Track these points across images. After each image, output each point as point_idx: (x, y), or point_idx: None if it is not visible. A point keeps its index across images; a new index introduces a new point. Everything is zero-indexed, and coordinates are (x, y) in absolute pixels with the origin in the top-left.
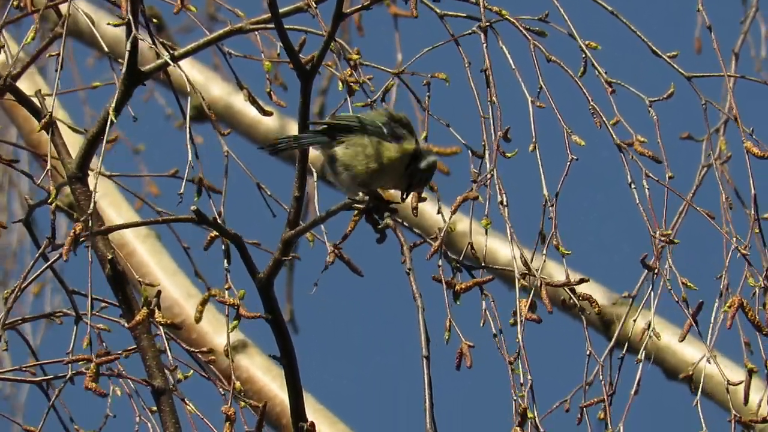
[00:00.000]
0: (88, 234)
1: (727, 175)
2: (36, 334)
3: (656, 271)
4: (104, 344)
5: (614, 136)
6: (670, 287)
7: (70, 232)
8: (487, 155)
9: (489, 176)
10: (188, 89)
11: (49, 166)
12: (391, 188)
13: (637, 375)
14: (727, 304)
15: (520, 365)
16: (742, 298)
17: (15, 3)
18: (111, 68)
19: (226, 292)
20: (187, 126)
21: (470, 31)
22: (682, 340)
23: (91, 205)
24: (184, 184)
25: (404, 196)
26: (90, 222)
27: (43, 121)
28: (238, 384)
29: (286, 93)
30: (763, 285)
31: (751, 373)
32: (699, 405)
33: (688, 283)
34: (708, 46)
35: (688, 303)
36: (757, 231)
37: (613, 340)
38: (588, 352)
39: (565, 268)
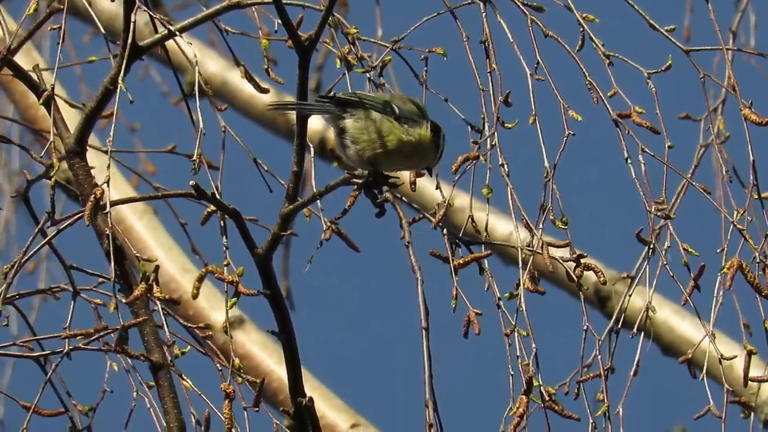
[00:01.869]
0: (96, 208)
1: (725, 155)
2: (30, 310)
3: (652, 245)
4: (101, 319)
5: (611, 111)
6: (666, 262)
7: (90, 197)
8: (486, 127)
9: (489, 146)
10: (186, 64)
11: (52, 140)
12: (399, 170)
13: (636, 354)
14: (727, 266)
15: (515, 337)
16: (741, 260)
17: None
18: (107, 46)
19: (225, 268)
20: (196, 94)
21: (469, 1)
22: (684, 304)
23: (107, 174)
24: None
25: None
26: (105, 189)
27: (45, 94)
28: (237, 361)
29: (282, 69)
30: (763, 251)
31: (750, 354)
32: (705, 381)
33: (689, 249)
34: (705, 22)
35: (689, 268)
36: (756, 197)
37: (614, 318)
38: (585, 328)
39: (569, 238)
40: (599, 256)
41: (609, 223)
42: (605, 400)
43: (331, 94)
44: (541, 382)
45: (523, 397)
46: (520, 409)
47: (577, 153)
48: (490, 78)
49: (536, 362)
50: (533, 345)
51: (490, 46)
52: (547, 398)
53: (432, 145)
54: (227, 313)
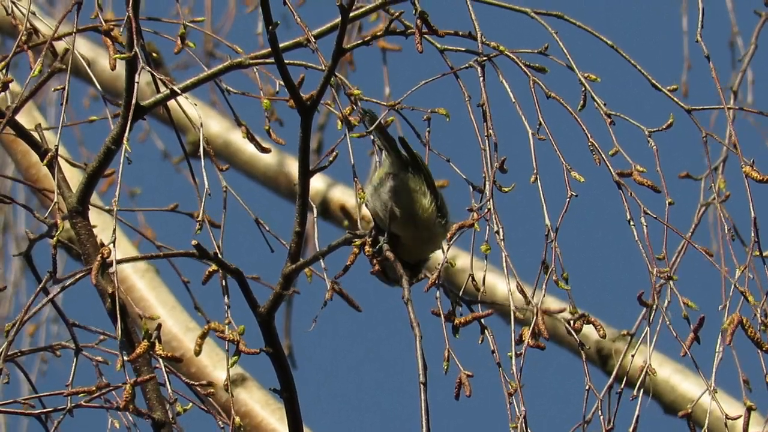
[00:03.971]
0: (105, 262)
1: (726, 214)
2: (31, 368)
3: (654, 307)
4: (103, 376)
5: (613, 173)
6: (668, 321)
7: (97, 257)
8: (487, 188)
9: (487, 210)
10: (187, 124)
11: (56, 199)
12: (398, 247)
13: (635, 411)
14: (727, 321)
15: (518, 396)
16: (741, 315)
17: (22, 38)
18: (106, 107)
19: (226, 327)
20: (201, 152)
21: (467, 65)
22: (684, 355)
23: (112, 233)
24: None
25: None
26: (112, 249)
27: (48, 155)
28: (237, 419)
29: (284, 129)
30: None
31: (750, 410)
32: None
33: (689, 303)
34: (702, 78)
35: (689, 321)
36: (758, 254)
37: (613, 376)
38: (587, 387)
39: (570, 298)
40: (600, 315)
41: (610, 280)
42: None
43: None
44: None
45: None
46: None
47: (580, 212)
48: (487, 141)
49: (525, 424)
50: (522, 408)
51: (488, 110)
52: None
53: (436, 248)
54: (228, 371)
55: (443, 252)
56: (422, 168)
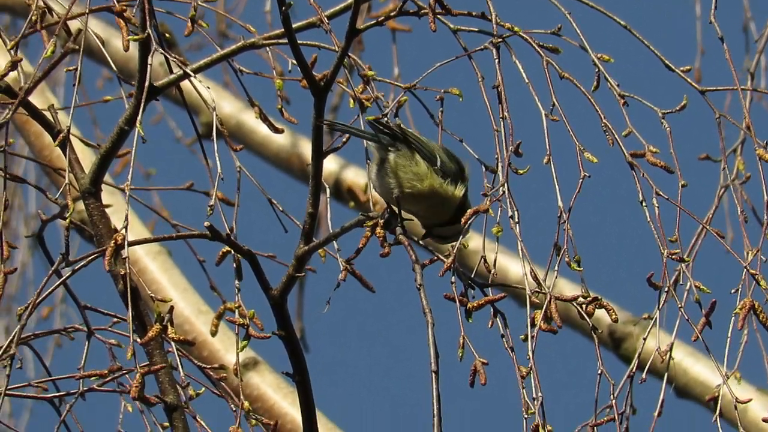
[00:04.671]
0: (117, 248)
1: (745, 196)
2: (44, 351)
3: (666, 289)
4: (116, 359)
5: (626, 154)
6: (680, 305)
7: (110, 242)
8: (500, 170)
9: (501, 192)
10: (201, 105)
11: (67, 180)
12: (418, 218)
13: (650, 395)
14: (739, 306)
15: (531, 381)
16: (753, 300)
17: (34, 18)
18: (120, 86)
19: (236, 310)
20: (214, 133)
21: (482, 47)
22: (695, 340)
23: (125, 216)
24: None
25: (424, 236)
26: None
27: (60, 135)
28: (246, 404)
29: (296, 110)
30: None
31: None
32: (719, 424)
33: (702, 287)
34: (717, 65)
35: (701, 306)
36: None
37: (634, 363)
38: (599, 372)
39: (582, 282)
40: (614, 298)
41: (624, 264)
42: None
43: (384, 121)
44: (550, 427)
45: None
46: None
47: (593, 193)
48: (502, 124)
49: (542, 411)
50: (539, 393)
51: (503, 92)
52: None
53: (457, 207)
54: (237, 355)
55: (461, 233)
56: (407, 138)
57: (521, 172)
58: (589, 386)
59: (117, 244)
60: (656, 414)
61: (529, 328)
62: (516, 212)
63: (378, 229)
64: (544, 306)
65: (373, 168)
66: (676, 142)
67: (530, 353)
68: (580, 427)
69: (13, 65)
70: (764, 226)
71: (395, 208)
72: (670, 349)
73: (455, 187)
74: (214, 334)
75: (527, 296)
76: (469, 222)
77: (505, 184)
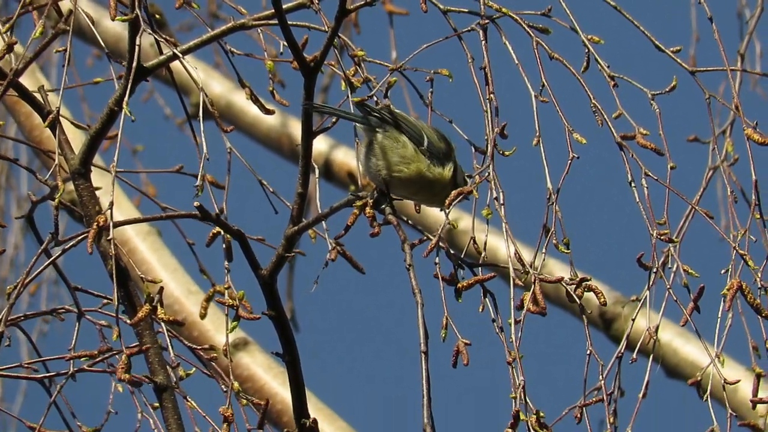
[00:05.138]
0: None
1: (734, 177)
2: (35, 332)
3: (655, 270)
4: (106, 340)
5: (615, 135)
6: (669, 286)
7: (94, 224)
8: (488, 153)
9: (487, 173)
10: (191, 86)
11: (57, 161)
12: (408, 198)
13: (638, 375)
14: (726, 287)
15: (519, 363)
16: (742, 281)
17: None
18: (111, 67)
19: (227, 291)
20: (200, 116)
21: (470, 28)
22: (684, 324)
23: (111, 196)
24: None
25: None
26: (109, 214)
27: (50, 116)
28: (236, 385)
29: (286, 90)
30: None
31: (759, 377)
32: (709, 403)
33: (690, 270)
34: (715, 52)
35: (689, 289)
36: (758, 217)
37: (622, 344)
38: (588, 352)
39: (571, 263)
40: (605, 279)
41: (613, 245)
42: (608, 425)
43: (371, 102)
44: (533, 411)
45: (509, 430)
46: None
47: (582, 174)
48: (488, 105)
49: (524, 393)
50: (521, 377)
51: (489, 73)
52: (544, 425)
53: (448, 188)
54: (227, 336)
55: (445, 215)
56: (395, 119)
57: (507, 153)
58: (579, 365)
59: (100, 225)
60: (641, 395)
61: (512, 312)
62: (501, 193)
63: (367, 209)
64: (532, 288)
65: (362, 150)
66: (666, 124)
67: (513, 338)
68: (568, 410)
69: (9, 48)
70: (752, 207)
71: (384, 189)
72: (656, 331)
73: (443, 168)
74: (203, 317)
75: (511, 278)
76: (453, 204)
77: (491, 166)
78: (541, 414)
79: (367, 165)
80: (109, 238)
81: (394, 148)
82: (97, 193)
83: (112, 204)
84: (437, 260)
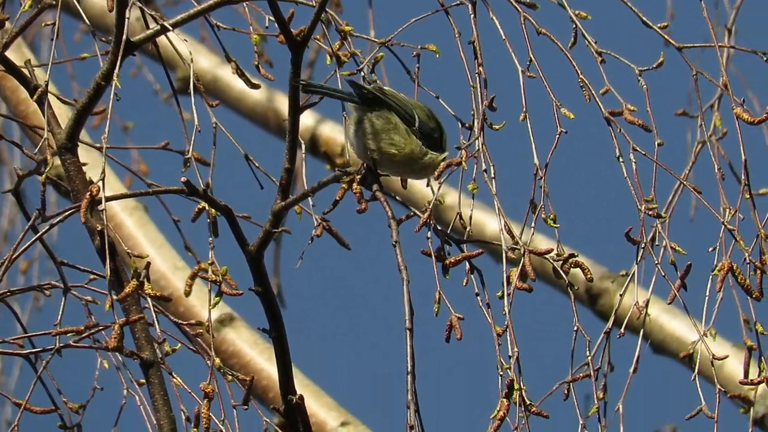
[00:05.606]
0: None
1: (722, 152)
2: (22, 308)
3: (643, 245)
4: (92, 316)
5: (603, 110)
6: (657, 261)
7: (86, 194)
8: (476, 126)
9: (476, 147)
10: (177, 60)
11: (45, 136)
12: (396, 175)
13: (626, 351)
14: (717, 268)
15: (507, 337)
16: (732, 261)
17: None
18: (96, 43)
19: (210, 267)
20: (191, 88)
21: (458, 2)
22: (670, 302)
23: (102, 170)
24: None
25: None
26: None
27: (38, 90)
28: (218, 360)
29: (273, 66)
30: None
31: (750, 350)
32: (697, 380)
33: (677, 248)
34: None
35: (676, 267)
36: (748, 196)
37: (610, 321)
38: (575, 328)
39: (558, 239)
40: (591, 254)
41: (600, 220)
42: (596, 401)
43: (363, 82)
44: (522, 386)
45: (504, 400)
46: (501, 413)
47: (570, 150)
48: (477, 80)
49: (518, 366)
50: (515, 348)
51: (478, 47)
52: (527, 402)
53: (436, 167)
54: (210, 314)
55: (432, 191)
56: (386, 98)
57: (497, 127)
58: (565, 341)
59: (92, 195)
60: (632, 370)
61: (505, 286)
62: (492, 166)
63: (354, 185)
64: (520, 263)
65: (351, 127)
66: (653, 99)
67: (506, 310)
68: (558, 385)
69: (0, 24)
70: (741, 186)
71: (371, 166)
72: (646, 306)
73: (436, 155)
74: (187, 294)
75: (503, 251)
76: (441, 175)
77: (480, 138)
78: (525, 388)
79: (357, 143)
80: (101, 208)
81: (387, 130)
82: (84, 168)
83: (104, 175)
84: (429, 235)
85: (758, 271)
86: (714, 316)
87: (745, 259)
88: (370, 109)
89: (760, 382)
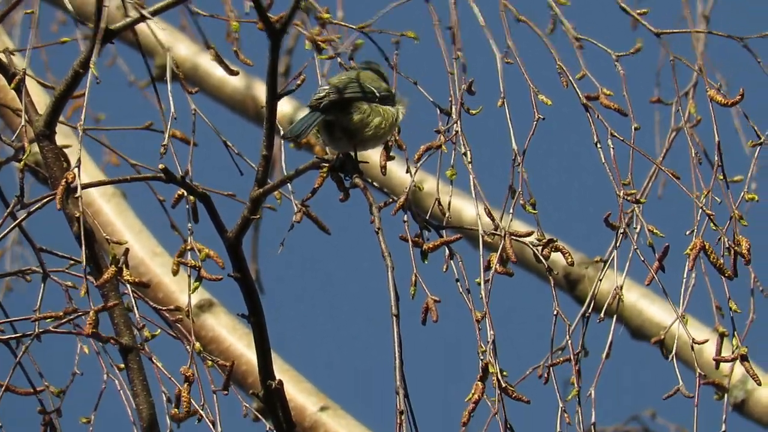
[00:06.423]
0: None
1: (697, 138)
2: (0, 293)
3: (621, 230)
4: (72, 302)
5: (581, 96)
6: (635, 246)
7: (62, 181)
8: (453, 111)
9: (455, 132)
10: (156, 48)
11: (23, 122)
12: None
13: (605, 336)
14: (690, 247)
15: (486, 322)
16: (704, 240)
17: None
18: (77, 29)
19: (189, 252)
20: (168, 75)
21: None
22: (649, 284)
23: (77, 157)
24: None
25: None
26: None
27: (16, 78)
28: (198, 345)
29: (252, 53)
30: (726, 242)
31: (722, 336)
32: (675, 363)
33: (655, 231)
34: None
35: (654, 249)
36: (722, 178)
37: (586, 304)
38: (555, 313)
39: (537, 224)
40: (569, 240)
41: (579, 206)
42: (576, 385)
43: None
44: (497, 369)
45: (479, 383)
46: (476, 396)
47: (547, 136)
48: (455, 64)
49: (494, 349)
50: (491, 332)
51: (456, 32)
52: (502, 385)
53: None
54: (189, 298)
55: (411, 175)
56: (350, 95)
57: (474, 112)
58: (543, 326)
59: (68, 182)
60: (604, 356)
61: (482, 272)
62: (469, 151)
63: (333, 173)
64: (500, 248)
65: (327, 137)
66: (630, 85)
67: (483, 295)
68: (531, 369)
69: None
70: (714, 168)
71: (351, 153)
72: (620, 291)
73: (395, 111)
74: (175, 273)
75: (480, 236)
76: (421, 159)
77: (458, 122)
78: (504, 373)
79: (340, 145)
80: (77, 195)
81: (363, 119)
82: (66, 152)
83: (79, 161)
84: (405, 218)
85: (732, 251)
86: (687, 299)
87: (719, 239)
88: (338, 111)
89: (733, 359)
